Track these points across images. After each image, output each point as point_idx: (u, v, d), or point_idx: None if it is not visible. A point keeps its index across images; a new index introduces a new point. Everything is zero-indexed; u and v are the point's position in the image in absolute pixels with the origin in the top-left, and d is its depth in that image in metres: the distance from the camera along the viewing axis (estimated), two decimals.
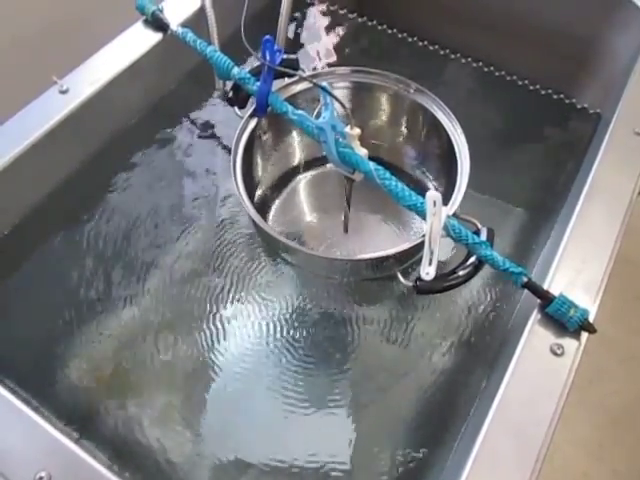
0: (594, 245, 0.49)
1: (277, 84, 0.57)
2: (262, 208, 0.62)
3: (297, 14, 0.81)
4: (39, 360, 0.53)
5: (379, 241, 0.61)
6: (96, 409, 0.50)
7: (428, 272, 0.46)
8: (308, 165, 0.67)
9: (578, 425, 1.06)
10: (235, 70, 0.58)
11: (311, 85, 0.59)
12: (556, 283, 0.47)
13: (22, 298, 0.56)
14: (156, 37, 0.65)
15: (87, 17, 0.75)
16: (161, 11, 0.65)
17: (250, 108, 0.58)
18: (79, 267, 0.58)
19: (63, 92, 0.59)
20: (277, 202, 0.64)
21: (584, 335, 0.45)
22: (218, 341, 0.54)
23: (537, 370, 0.44)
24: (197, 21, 0.66)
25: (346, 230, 0.60)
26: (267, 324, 0.55)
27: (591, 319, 0.45)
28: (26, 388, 0.47)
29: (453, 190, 0.53)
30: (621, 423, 1.07)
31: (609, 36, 0.69)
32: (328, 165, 0.64)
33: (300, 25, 0.81)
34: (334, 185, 0.63)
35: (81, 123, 0.59)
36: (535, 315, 0.46)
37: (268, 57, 0.53)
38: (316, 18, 0.82)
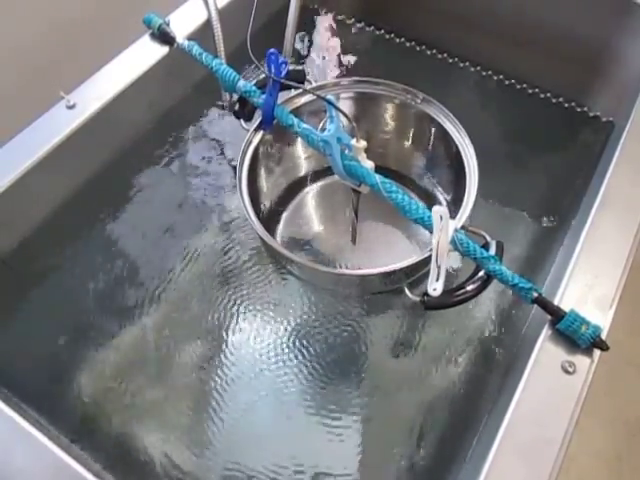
0: (606, 259, 0.48)
1: (283, 95, 0.57)
2: (269, 221, 0.62)
3: (304, 25, 0.81)
4: (47, 379, 0.53)
5: (387, 252, 0.60)
6: (105, 428, 0.50)
7: (435, 287, 0.45)
8: (315, 177, 0.66)
9: (595, 437, 1.04)
10: (241, 83, 0.57)
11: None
12: (567, 298, 0.46)
13: (28, 313, 0.56)
14: (162, 51, 0.65)
15: (93, 32, 0.75)
16: (167, 25, 0.65)
17: (256, 121, 0.58)
18: (88, 282, 0.58)
19: (70, 107, 0.59)
20: (284, 214, 0.64)
21: (596, 352, 0.44)
22: (227, 357, 0.54)
23: (548, 388, 0.43)
24: (203, 34, 0.66)
25: (354, 241, 0.59)
26: (276, 339, 0.55)
27: (603, 336, 0.44)
28: (34, 407, 0.47)
29: (461, 200, 0.52)
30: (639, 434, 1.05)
31: (621, 43, 0.68)
32: (335, 176, 0.64)
33: (307, 36, 0.80)
34: (341, 197, 0.63)
35: (88, 138, 0.59)
36: (546, 331, 0.45)
37: (273, 70, 0.53)
38: (323, 28, 0.82)
